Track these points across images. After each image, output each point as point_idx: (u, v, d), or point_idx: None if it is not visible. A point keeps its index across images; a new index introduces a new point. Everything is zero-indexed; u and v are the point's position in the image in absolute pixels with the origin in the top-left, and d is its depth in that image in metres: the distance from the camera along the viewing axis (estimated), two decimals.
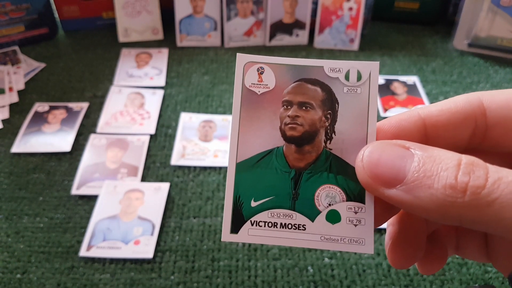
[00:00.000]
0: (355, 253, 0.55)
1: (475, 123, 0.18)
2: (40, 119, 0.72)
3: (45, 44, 0.90)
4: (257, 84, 0.21)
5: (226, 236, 0.22)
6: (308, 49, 0.91)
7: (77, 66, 0.85)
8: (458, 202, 0.14)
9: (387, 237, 0.20)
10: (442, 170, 0.14)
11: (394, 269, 0.53)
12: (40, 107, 0.74)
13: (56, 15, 0.91)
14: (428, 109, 0.19)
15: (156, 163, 0.66)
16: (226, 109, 0.76)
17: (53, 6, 0.90)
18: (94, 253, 0.53)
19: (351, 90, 0.21)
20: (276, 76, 0.22)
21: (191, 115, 0.74)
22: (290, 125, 0.21)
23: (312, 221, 0.21)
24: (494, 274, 0.53)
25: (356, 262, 0.54)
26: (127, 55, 0.87)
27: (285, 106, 0.21)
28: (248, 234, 0.21)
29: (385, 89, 0.81)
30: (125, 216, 0.57)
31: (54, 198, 0.60)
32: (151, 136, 0.70)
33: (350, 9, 0.88)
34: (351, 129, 0.20)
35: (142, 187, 0.61)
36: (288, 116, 0.21)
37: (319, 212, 0.21)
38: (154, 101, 0.76)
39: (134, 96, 0.78)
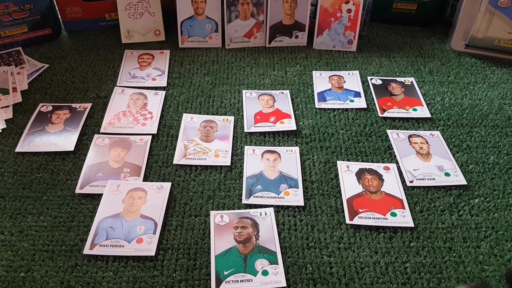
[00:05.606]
0: (353, 251, 0.56)
1: None
2: (44, 119, 0.73)
3: (48, 45, 0.91)
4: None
5: None
6: (307, 50, 0.92)
7: (80, 67, 0.86)
8: None
9: None
10: None
11: (392, 267, 0.54)
12: (44, 107, 0.75)
13: (59, 16, 0.92)
14: None
15: (158, 162, 0.67)
16: (227, 110, 0.77)
17: (56, 7, 0.91)
18: (97, 251, 0.54)
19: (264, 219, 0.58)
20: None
21: (193, 116, 0.75)
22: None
23: (255, 276, 0.52)
24: (491, 273, 0.54)
25: (354, 260, 0.55)
26: (130, 56, 0.88)
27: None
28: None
29: (383, 90, 0.82)
30: (128, 215, 0.58)
31: (57, 197, 0.61)
32: (154, 136, 0.71)
33: (349, 10, 0.89)
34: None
35: (145, 186, 0.62)
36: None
37: (257, 271, 0.53)
38: (156, 102, 0.77)
39: (137, 96, 0.79)
